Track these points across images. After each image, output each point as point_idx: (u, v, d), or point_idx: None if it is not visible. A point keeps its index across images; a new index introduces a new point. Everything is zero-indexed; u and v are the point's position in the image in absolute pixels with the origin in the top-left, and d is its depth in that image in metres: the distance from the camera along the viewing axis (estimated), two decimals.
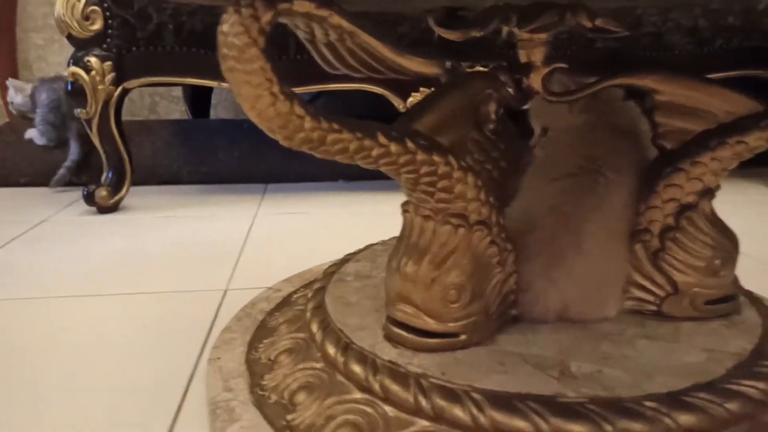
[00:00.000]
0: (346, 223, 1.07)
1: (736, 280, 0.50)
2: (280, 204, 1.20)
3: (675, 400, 0.38)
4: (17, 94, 1.37)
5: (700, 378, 0.40)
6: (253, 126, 1.20)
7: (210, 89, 1.70)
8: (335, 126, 0.33)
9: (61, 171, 1.27)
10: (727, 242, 0.48)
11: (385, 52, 0.33)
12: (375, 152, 0.36)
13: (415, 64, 0.34)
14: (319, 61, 0.37)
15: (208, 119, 1.72)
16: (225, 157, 1.37)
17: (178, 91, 1.78)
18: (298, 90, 1.10)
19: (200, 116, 1.72)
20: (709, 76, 1.18)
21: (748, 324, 0.48)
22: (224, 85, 1.12)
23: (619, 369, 0.42)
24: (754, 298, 0.54)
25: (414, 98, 1.11)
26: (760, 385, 0.41)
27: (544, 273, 0.48)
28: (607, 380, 0.40)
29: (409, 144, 0.38)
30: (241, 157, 1.37)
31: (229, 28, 0.29)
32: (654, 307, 0.49)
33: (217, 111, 1.82)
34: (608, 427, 0.37)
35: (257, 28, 0.29)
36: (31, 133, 1.34)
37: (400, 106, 1.14)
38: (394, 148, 0.37)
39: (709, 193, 0.48)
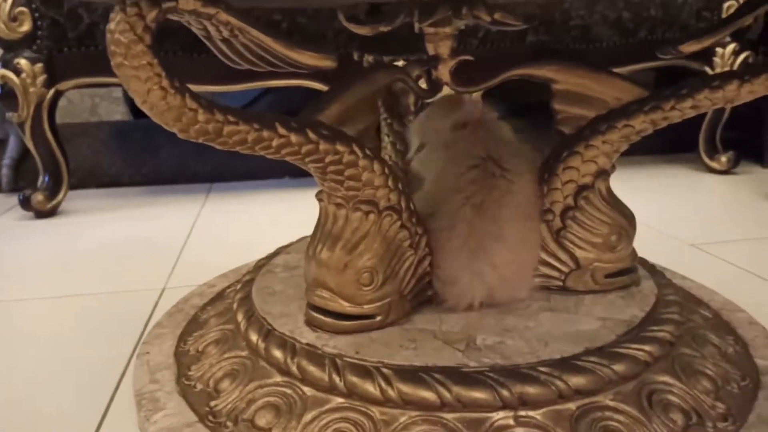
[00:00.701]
0: (289, 219, 1.08)
1: (633, 254, 0.54)
2: (223, 203, 1.20)
3: (567, 364, 0.42)
4: None
5: (591, 344, 0.43)
6: None
7: None
8: (230, 118, 0.35)
9: (4, 171, 1.26)
10: (622, 219, 0.52)
11: (276, 46, 0.34)
12: (275, 143, 0.38)
13: (307, 58, 0.35)
14: (219, 56, 0.38)
15: (148, 119, 1.69)
16: (167, 157, 1.36)
17: (118, 92, 1.74)
18: (236, 87, 1.11)
19: (142, 117, 1.70)
20: (635, 66, 1.24)
21: (644, 294, 0.52)
22: None
23: (520, 339, 0.44)
24: (654, 271, 0.58)
25: None
26: (646, 347, 0.44)
27: (469, 266, 0.48)
28: (507, 350, 0.43)
29: (311, 134, 0.40)
30: (184, 156, 1.36)
31: (116, 26, 0.30)
32: (559, 283, 0.52)
33: None
34: (505, 392, 0.40)
35: (142, 25, 0.30)
36: None
37: None
38: (294, 138, 0.39)
39: (604, 173, 0.51)
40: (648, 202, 1.06)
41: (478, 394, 0.40)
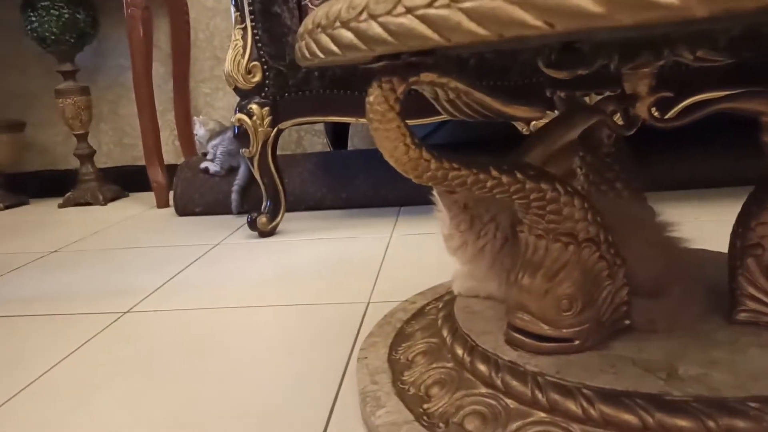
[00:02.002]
0: None
1: None
2: (412, 225, 1.31)
3: None
4: (201, 128, 1.67)
5: None
6: None
7: (348, 123, 1.88)
8: (455, 165, 0.42)
9: (234, 196, 1.52)
10: None
11: (495, 104, 0.41)
12: (489, 183, 0.44)
13: (521, 112, 0.41)
14: (442, 112, 0.46)
15: (346, 150, 1.89)
16: (362, 183, 1.51)
17: (320, 126, 1.98)
18: (426, 120, 1.21)
19: (339, 147, 1.90)
20: None
21: None
22: (361, 120, 1.25)
23: (726, 373, 0.45)
24: None
25: (537, 122, 1.17)
26: None
27: None
28: (713, 382, 0.44)
29: (518, 175, 0.45)
30: (376, 183, 1.50)
31: (374, 99, 0.39)
32: None
33: (354, 142, 1.99)
34: (711, 424, 0.41)
35: (394, 97, 0.38)
36: (206, 164, 1.61)
37: (524, 130, 1.20)
38: (505, 179, 0.44)
39: None
40: None
41: (683, 422, 0.42)
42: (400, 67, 0.39)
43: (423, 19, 0.31)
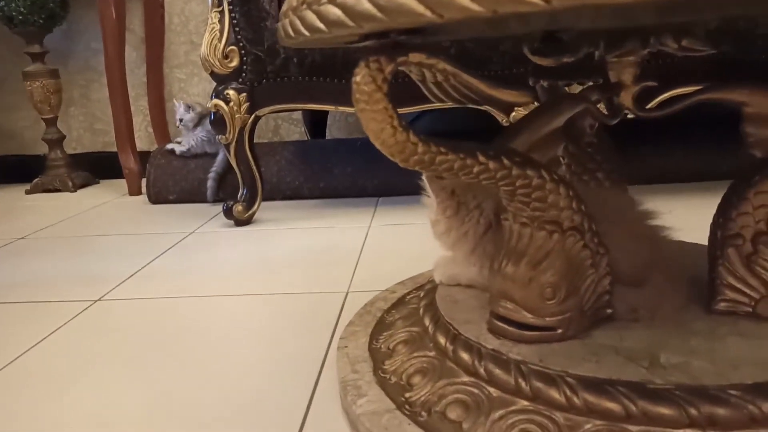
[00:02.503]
0: None
1: None
2: (391, 216, 1.30)
3: (760, 389, 0.42)
4: (188, 111, 1.61)
5: None
6: (365, 144, 1.32)
7: (326, 112, 1.86)
8: (442, 149, 0.41)
9: (210, 183, 1.49)
10: None
11: (482, 87, 0.40)
12: (476, 169, 0.43)
13: (507, 95, 0.41)
14: (428, 95, 0.45)
15: (324, 139, 1.87)
16: (340, 173, 1.49)
17: (297, 114, 1.95)
18: (408, 109, 1.20)
19: (317, 136, 1.88)
20: None
21: None
22: (341, 108, 1.24)
23: (706, 361, 0.45)
24: None
25: (517, 113, 1.17)
26: None
27: None
28: (693, 370, 0.44)
29: (505, 161, 0.45)
30: (355, 173, 1.48)
31: (361, 78, 0.38)
32: (749, 309, 0.51)
33: (332, 131, 1.97)
34: (693, 411, 0.41)
35: (381, 77, 0.37)
36: (171, 145, 1.59)
37: (503, 120, 1.19)
38: (492, 165, 0.44)
39: None
40: None
41: (665, 410, 0.42)
42: (387, 46, 0.38)
43: None
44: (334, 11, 0.34)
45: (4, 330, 0.80)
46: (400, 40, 0.37)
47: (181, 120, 1.62)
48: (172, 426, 0.55)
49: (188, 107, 1.62)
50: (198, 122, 1.60)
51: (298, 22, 0.39)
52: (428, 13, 0.30)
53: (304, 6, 0.38)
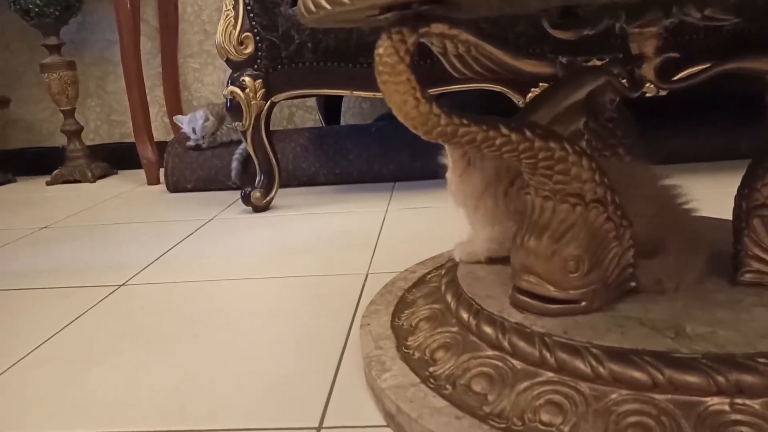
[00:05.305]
0: None
1: None
2: (408, 200, 1.30)
3: None
4: (206, 120, 1.58)
5: None
6: (380, 130, 1.32)
7: (340, 98, 1.86)
8: (464, 121, 0.41)
9: (234, 164, 1.50)
10: None
11: (505, 58, 0.40)
12: (498, 141, 0.43)
13: (530, 66, 0.40)
14: (450, 69, 0.45)
15: (339, 125, 1.87)
16: (355, 158, 1.49)
17: (312, 102, 1.95)
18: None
19: (332, 123, 1.88)
20: None
21: None
22: (356, 93, 1.23)
23: (733, 331, 0.45)
24: None
25: (533, 93, 1.16)
26: None
27: None
28: (720, 339, 0.44)
29: (528, 133, 0.44)
30: (370, 158, 1.49)
31: (384, 51, 0.38)
32: None
33: (346, 118, 1.96)
34: (720, 379, 0.41)
35: (404, 48, 0.37)
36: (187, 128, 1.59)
37: (520, 102, 1.19)
38: (514, 137, 0.44)
39: None
40: None
41: (692, 378, 0.42)
42: (409, 17, 0.38)
43: None
44: None
45: (33, 314, 0.82)
46: (421, 11, 0.37)
47: (203, 136, 1.57)
48: (196, 406, 0.56)
49: (205, 116, 1.58)
50: (220, 120, 1.59)
51: None
52: None
53: None
